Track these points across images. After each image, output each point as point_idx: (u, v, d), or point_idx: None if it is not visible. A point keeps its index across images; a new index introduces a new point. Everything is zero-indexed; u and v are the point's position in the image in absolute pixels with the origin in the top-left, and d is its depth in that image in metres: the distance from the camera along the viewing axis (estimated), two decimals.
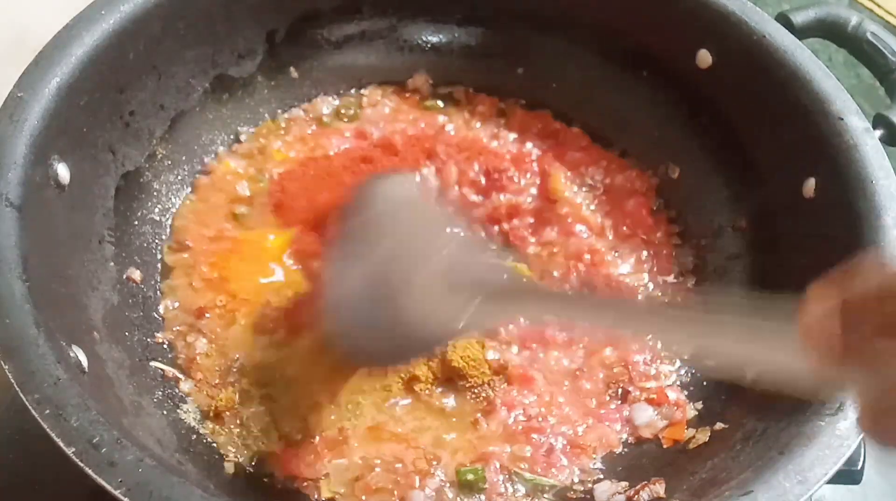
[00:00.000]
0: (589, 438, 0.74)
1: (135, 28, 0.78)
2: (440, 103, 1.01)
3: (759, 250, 0.83)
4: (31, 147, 0.66)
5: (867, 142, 0.73)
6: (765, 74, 0.81)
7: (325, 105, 0.99)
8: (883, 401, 0.36)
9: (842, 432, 0.58)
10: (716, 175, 0.89)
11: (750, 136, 0.85)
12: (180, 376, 0.75)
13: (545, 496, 0.71)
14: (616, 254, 0.88)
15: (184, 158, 0.90)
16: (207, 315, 0.79)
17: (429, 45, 1.02)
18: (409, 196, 0.72)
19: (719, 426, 0.71)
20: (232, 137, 0.95)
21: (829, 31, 0.91)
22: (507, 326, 0.81)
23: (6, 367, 0.55)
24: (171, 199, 0.88)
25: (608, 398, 0.77)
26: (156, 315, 0.79)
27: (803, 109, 0.77)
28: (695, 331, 0.49)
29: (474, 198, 0.90)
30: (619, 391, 0.78)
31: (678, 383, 0.79)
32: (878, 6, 1.29)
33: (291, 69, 0.98)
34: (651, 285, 0.87)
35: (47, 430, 0.53)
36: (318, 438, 0.72)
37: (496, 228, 0.89)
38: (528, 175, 0.92)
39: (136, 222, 0.83)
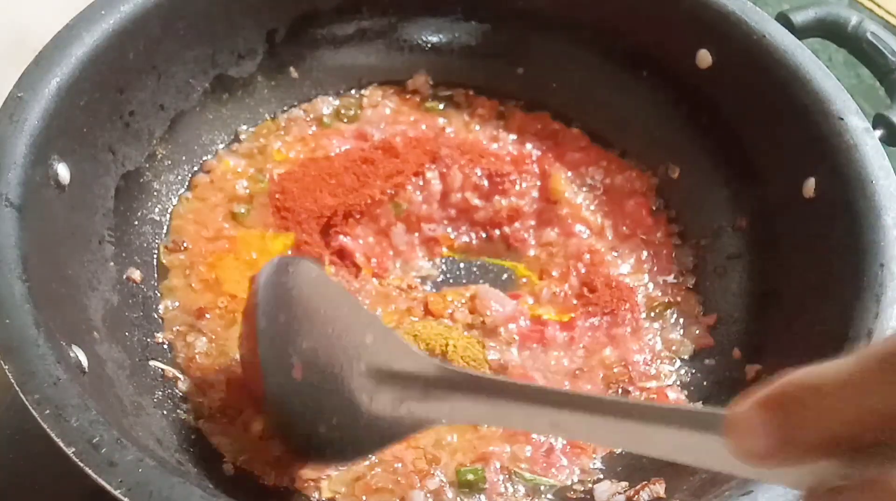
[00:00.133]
0: None
1: (135, 28, 0.79)
2: (440, 106, 1.01)
3: (759, 250, 0.83)
4: (31, 147, 0.66)
5: (867, 142, 0.73)
6: (765, 74, 0.81)
7: (325, 105, 0.99)
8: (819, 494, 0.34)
9: None
10: (716, 175, 0.89)
11: (750, 136, 0.85)
12: (179, 375, 0.75)
13: (545, 496, 0.71)
14: (616, 254, 0.89)
15: (184, 158, 0.90)
16: (208, 316, 0.79)
17: (429, 45, 1.02)
18: (319, 280, 0.66)
19: None
20: (232, 137, 0.95)
21: (829, 31, 0.91)
22: (507, 326, 0.81)
23: (6, 367, 0.55)
24: (171, 199, 0.88)
25: None
26: (156, 315, 0.79)
27: (803, 109, 0.77)
28: (624, 439, 0.46)
29: (476, 202, 0.90)
30: (619, 391, 0.78)
31: (678, 383, 0.79)
32: (878, 6, 1.29)
33: (291, 69, 0.98)
34: (651, 286, 0.87)
35: (47, 430, 0.52)
36: None
37: (497, 231, 0.90)
38: (529, 177, 0.92)
39: (136, 222, 0.83)
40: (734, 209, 0.87)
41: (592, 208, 0.92)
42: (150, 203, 0.85)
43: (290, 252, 0.84)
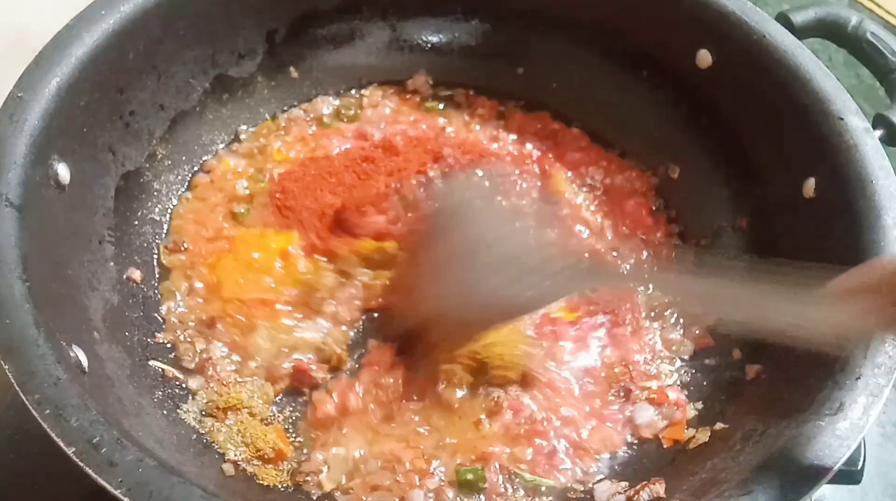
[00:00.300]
0: (593, 440, 0.74)
1: (135, 28, 0.79)
2: (440, 105, 1.01)
3: (759, 250, 0.83)
4: (31, 147, 0.66)
5: (867, 142, 0.73)
6: (765, 74, 0.81)
7: (326, 105, 0.99)
8: None
9: (841, 432, 0.58)
10: (716, 175, 0.89)
11: (750, 135, 0.85)
12: (180, 375, 0.75)
13: (545, 496, 0.71)
14: (616, 254, 0.88)
15: (184, 158, 0.90)
16: (219, 325, 0.79)
17: (429, 45, 1.02)
18: (483, 192, 0.81)
19: (719, 426, 0.71)
20: (232, 136, 0.95)
21: (829, 31, 0.91)
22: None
23: (6, 367, 0.55)
24: (171, 199, 0.88)
25: (612, 397, 0.77)
26: (156, 315, 0.79)
27: (803, 109, 0.77)
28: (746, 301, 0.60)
29: None
30: (620, 390, 0.78)
31: (678, 383, 0.79)
32: (878, 6, 1.29)
33: (291, 69, 0.98)
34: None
35: (47, 430, 0.53)
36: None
37: None
38: (529, 177, 0.92)
39: (137, 222, 0.83)
40: (734, 209, 0.87)
41: (592, 208, 0.92)
42: (150, 203, 0.85)
43: (292, 250, 0.84)
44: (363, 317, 0.82)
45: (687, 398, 0.78)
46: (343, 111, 0.99)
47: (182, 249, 0.84)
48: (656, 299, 0.85)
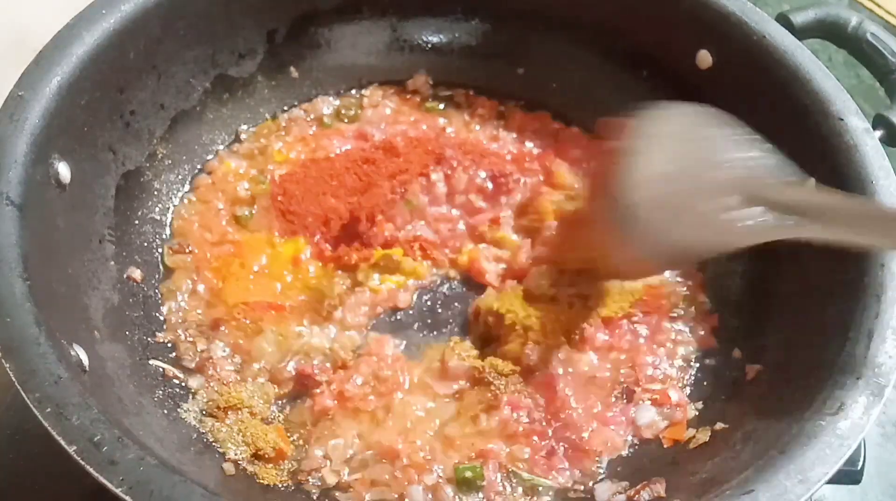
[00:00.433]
0: (594, 442, 0.74)
1: (135, 28, 0.79)
2: (440, 106, 1.01)
3: (759, 251, 0.83)
4: (31, 146, 0.66)
5: (867, 142, 0.73)
6: (765, 74, 0.81)
7: (326, 105, 0.99)
8: None
9: (842, 432, 0.58)
10: None
11: None
12: (180, 375, 0.75)
13: (544, 495, 0.71)
14: None
15: (184, 157, 0.90)
16: (223, 328, 0.79)
17: (429, 45, 1.02)
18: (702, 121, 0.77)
19: (720, 426, 0.71)
20: (232, 136, 0.95)
21: (829, 32, 0.91)
22: None
23: (7, 366, 0.55)
24: (171, 198, 0.88)
25: (614, 399, 0.77)
26: (157, 315, 0.79)
27: (803, 109, 0.77)
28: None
29: (481, 204, 0.90)
30: (623, 392, 0.78)
31: (679, 383, 0.79)
32: (878, 6, 1.30)
33: (291, 69, 0.98)
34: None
35: (48, 429, 0.53)
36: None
37: None
38: (532, 176, 0.92)
39: (137, 222, 0.83)
40: None
41: None
42: (150, 203, 0.85)
43: (303, 257, 0.85)
44: (371, 322, 0.82)
45: (688, 398, 0.78)
46: (343, 111, 0.99)
47: (186, 251, 0.84)
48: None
